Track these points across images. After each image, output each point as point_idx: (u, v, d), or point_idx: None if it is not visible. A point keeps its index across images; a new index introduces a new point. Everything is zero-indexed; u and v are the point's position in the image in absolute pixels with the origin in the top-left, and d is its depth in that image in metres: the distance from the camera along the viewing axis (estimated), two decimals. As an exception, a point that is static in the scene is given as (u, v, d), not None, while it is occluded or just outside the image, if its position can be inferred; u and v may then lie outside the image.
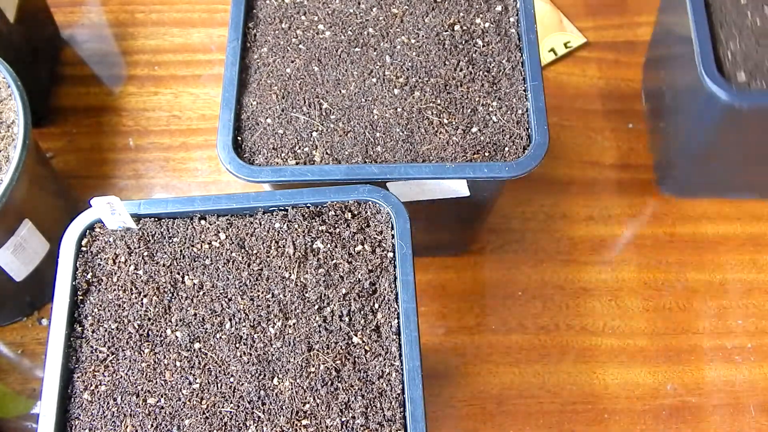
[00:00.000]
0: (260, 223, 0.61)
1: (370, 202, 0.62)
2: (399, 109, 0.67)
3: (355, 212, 0.62)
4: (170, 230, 0.62)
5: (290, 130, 0.66)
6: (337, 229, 0.61)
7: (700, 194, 0.88)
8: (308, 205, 0.62)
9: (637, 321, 0.82)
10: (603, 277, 0.84)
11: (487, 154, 0.65)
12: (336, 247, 0.60)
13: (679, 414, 0.78)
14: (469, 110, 0.67)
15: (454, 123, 0.66)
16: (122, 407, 0.56)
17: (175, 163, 0.92)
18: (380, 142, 0.66)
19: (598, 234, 0.87)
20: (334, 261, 0.60)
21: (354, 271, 0.59)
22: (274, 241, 0.61)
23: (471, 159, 0.65)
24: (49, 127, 0.95)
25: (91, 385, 0.57)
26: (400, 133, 0.66)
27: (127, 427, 0.55)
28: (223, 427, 0.55)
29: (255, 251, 0.60)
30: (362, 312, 0.58)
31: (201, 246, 0.61)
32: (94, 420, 0.56)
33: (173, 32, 1.02)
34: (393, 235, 0.61)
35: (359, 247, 0.60)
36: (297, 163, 0.65)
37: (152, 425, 0.55)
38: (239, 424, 0.55)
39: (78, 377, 0.57)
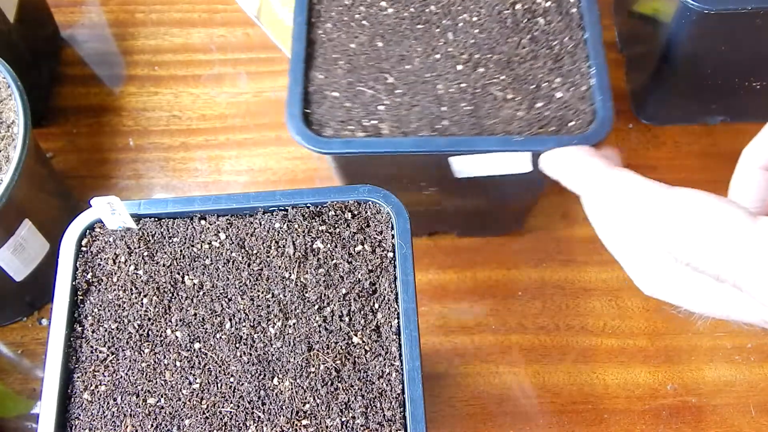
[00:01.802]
0: (260, 223, 0.61)
1: (370, 202, 0.62)
2: (463, 85, 0.68)
3: (355, 212, 0.62)
4: (170, 230, 0.62)
5: (357, 103, 0.67)
6: (337, 229, 0.61)
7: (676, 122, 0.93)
8: (308, 205, 0.62)
9: (637, 321, 0.82)
10: (603, 277, 0.84)
11: (552, 128, 0.66)
12: (336, 247, 0.60)
13: (679, 414, 0.78)
14: (533, 86, 0.67)
15: (518, 98, 0.67)
16: (122, 407, 0.56)
17: (175, 163, 0.92)
18: (446, 116, 0.66)
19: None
20: (334, 261, 0.60)
21: (354, 271, 0.59)
22: (274, 241, 0.61)
23: (537, 133, 0.65)
24: (49, 127, 0.96)
25: (91, 385, 0.57)
26: (466, 108, 0.66)
27: (127, 427, 0.55)
28: (223, 427, 0.55)
29: (255, 251, 0.60)
30: (362, 312, 0.58)
31: (201, 246, 0.61)
32: (94, 420, 0.56)
33: (173, 32, 1.02)
34: (393, 235, 0.61)
35: (359, 247, 0.60)
36: (366, 136, 0.65)
37: (152, 425, 0.55)
38: (239, 424, 0.55)
39: (78, 377, 0.57)
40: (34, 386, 0.81)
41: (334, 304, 0.58)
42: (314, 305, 0.58)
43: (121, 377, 0.57)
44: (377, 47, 0.70)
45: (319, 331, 0.57)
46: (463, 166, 0.66)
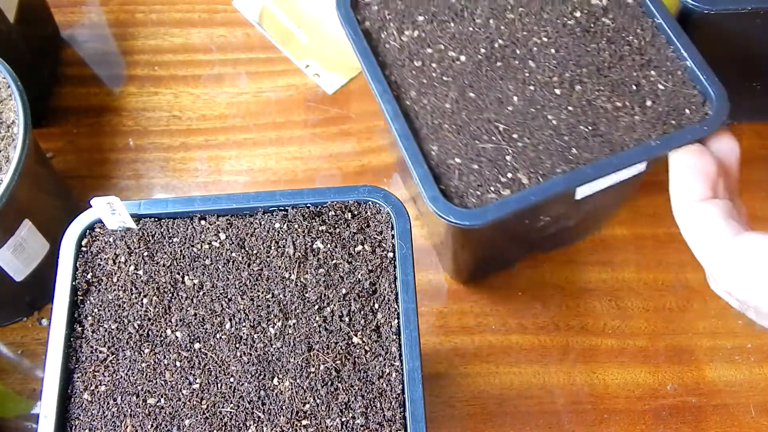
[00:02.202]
0: (260, 223, 0.61)
1: (370, 202, 0.62)
2: (571, 108, 0.66)
3: (355, 212, 0.62)
4: (170, 230, 0.62)
5: (484, 162, 0.64)
6: (337, 229, 0.61)
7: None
8: (308, 205, 0.62)
9: (637, 321, 0.82)
10: (603, 277, 0.84)
11: (673, 121, 0.65)
12: (336, 247, 0.60)
13: (679, 414, 0.78)
14: (634, 87, 0.67)
15: (627, 104, 0.66)
16: (122, 407, 0.56)
17: (175, 163, 0.92)
18: (572, 144, 0.64)
19: (598, 234, 0.87)
20: (334, 261, 0.60)
21: (354, 271, 0.59)
22: (274, 241, 0.61)
23: (663, 132, 0.65)
24: (49, 127, 0.95)
25: (91, 385, 0.57)
26: (586, 129, 0.65)
27: (127, 427, 0.55)
28: (223, 427, 0.55)
29: (255, 251, 0.60)
30: (362, 312, 0.58)
31: (201, 246, 0.61)
32: (94, 420, 0.56)
33: (173, 32, 1.02)
34: (393, 236, 0.61)
35: (359, 248, 0.60)
36: (512, 191, 0.63)
37: (152, 425, 0.55)
38: (239, 424, 0.55)
39: (78, 377, 0.57)
40: (34, 386, 0.81)
41: (334, 305, 0.58)
42: (314, 305, 0.58)
43: (121, 377, 0.57)
44: (471, 99, 0.67)
45: (319, 332, 0.57)
46: (590, 187, 0.65)
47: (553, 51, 0.69)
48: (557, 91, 0.67)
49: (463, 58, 0.69)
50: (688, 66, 0.67)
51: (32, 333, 0.84)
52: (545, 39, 0.70)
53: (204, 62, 0.98)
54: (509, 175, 0.63)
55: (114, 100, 0.97)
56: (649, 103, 0.66)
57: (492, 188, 0.63)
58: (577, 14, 0.71)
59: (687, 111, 0.66)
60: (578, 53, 0.69)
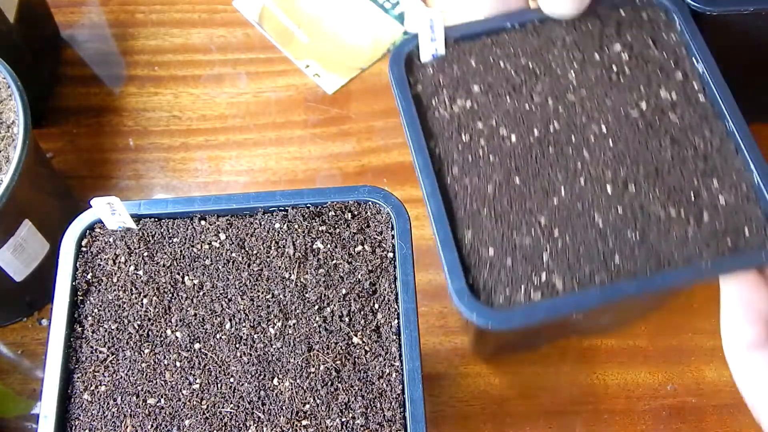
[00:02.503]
0: (260, 224, 0.61)
1: (370, 203, 0.62)
2: (620, 210, 0.61)
3: (355, 213, 0.62)
4: (170, 230, 0.62)
5: (518, 258, 0.59)
6: (337, 230, 0.61)
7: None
8: (308, 205, 0.62)
9: (637, 321, 0.82)
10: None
11: (728, 242, 0.59)
12: (336, 247, 0.60)
13: (679, 414, 0.78)
14: (692, 196, 0.61)
15: (682, 214, 0.60)
16: (122, 407, 0.56)
17: (175, 164, 0.92)
18: (615, 250, 0.59)
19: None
20: (334, 261, 0.60)
21: (354, 272, 0.60)
22: (274, 242, 0.61)
23: (719, 251, 0.59)
24: (49, 127, 0.96)
25: (91, 386, 0.57)
26: (632, 237, 0.60)
27: (127, 427, 0.55)
28: (223, 428, 0.55)
29: (255, 251, 0.61)
30: (362, 312, 0.58)
31: (201, 246, 0.61)
32: (94, 420, 0.56)
33: (173, 33, 1.02)
34: (393, 236, 0.61)
35: (359, 248, 0.61)
36: (543, 296, 0.58)
37: (152, 425, 0.55)
38: (239, 424, 0.55)
39: (78, 377, 0.57)
40: (34, 386, 0.81)
41: (334, 305, 0.58)
42: (314, 305, 0.58)
43: (121, 377, 0.57)
44: (516, 185, 0.62)
45: (319, 332, 0.58)
46: None
47: (610, 143, 0.64)
48: (608, 189, 0.62)
49: (514, 138, 0.64)
50: (755, 181, 0.61)
51: (32, 333, 0.84)
52: (604, 129, 0.64)
53: (204, 62, 0.99)
54: (543, 276, 0.59)
55: (114, 100, 0.97)
56: (706, 216, 0.60)
57: (523, 288, 0.58)
58: (643, 105, 0.65)
59: (746, 232, 0.60)
60: (637, 149, 0.63)
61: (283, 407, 0.56)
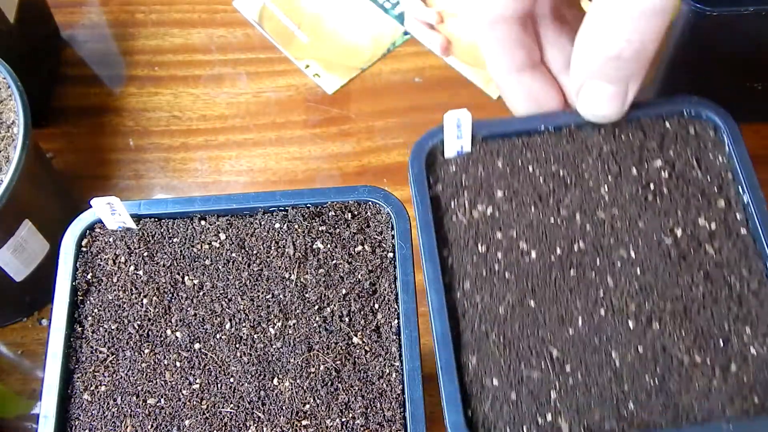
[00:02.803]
0: (260, 224, 0.62)
1: (370, 203, 0.62)
2: (640, 349, 0.56)
3: (355, 212, 0.62)
4: (170, 230, 0.62)
5: (524, 392, 0.55)
6: (337, 230, 0.61)
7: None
8: (308, 205, 0.62)
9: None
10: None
11: (755, 400, 0.54)
12: (336, 247, 0.61)
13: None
14: (721, 342, 0.56)
15: (708, 362, 0.55)
16: (122, 407, 0.56)
17: (175, 164, 0.92)
18: (630, 396, 0.54)
19: None
20: (334, 261, 0.60)
21: (354, 272, 0.60)
22: (274, 242, 0.61)
23: (743, 409, 0.54)
24: (49, 127, 0.96)
25: (92, 386, 0.57)
26: (651, 382, 0.55)
27: (127, 427, 0.56)
28: (223, 428, 0.55)
29: (255, 251, 0.61)
30: (362, 312, 0.59)
31: (201, 246, 0.61)
32: (94, 420, 0.56)
33: (173, 33, 1.03)
34: (393, 236, 0.61)
35: (359, 248, 0.61)
36: None
37: (152, 426, 0.56)
38: (239, 424, 0.55)
39: (78, 377, 0.57)
40: (34, 386, 0.82)
41: (334, 305, 0.59)
42: (314, 305, 0.59)
43: (121, 377, 0.57)
44: (530, 309, 0.57)
45: (319, 332, 0.58)
46: None
47: (638, 271, 0.58)
48: (630, 324, 0.57)
49: (534, 254, 0.59)
50: None
51: (32, 333, 0.84)
52: (633, 254, 0.59)
53: (204, 62, 0.99)
54: (548, 417, 0.54)
55: (114, 100, 0.98)
56: (733, 367, 0.55)
57: (525, 429, 0.54)
58: (678, 232, 0.59)
59: None
60: (666, 282, 0.58)
61: (283, 407, 0.56)
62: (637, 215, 0.59)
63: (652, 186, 0.60)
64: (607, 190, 0.60)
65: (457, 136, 0.61)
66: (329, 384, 0.56)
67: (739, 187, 0.60)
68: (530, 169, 0.61)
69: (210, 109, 0.97)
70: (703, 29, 0.76)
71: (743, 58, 0.81)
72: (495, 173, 0.61)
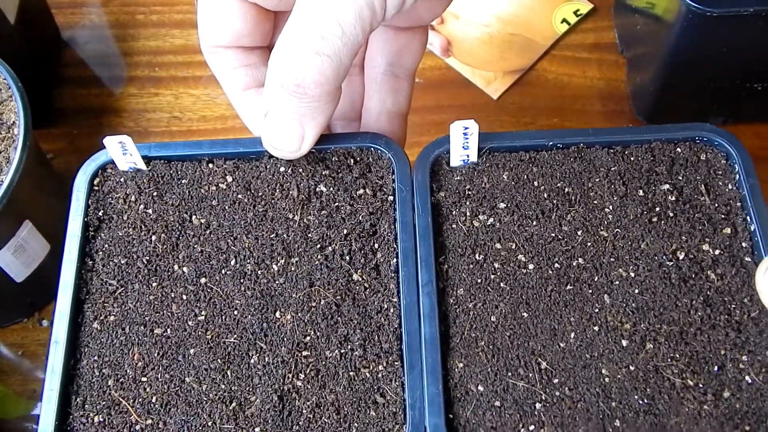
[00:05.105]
0: (266, 167, 0.67)
1: (372, 149, 0.68)
2: (632, 368, 0.59)
3: (358, 158, 0.68)
4: (179, 172, 0.68)
5: (508, 401, 0.59)
6: (340, 174, 0.67)
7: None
8: (312, 150, 0.66)
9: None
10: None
11: (747, 428, 0.57)
12: (338, 190, 0.66)
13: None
14: (716, 367, 0.59)
15: (700, 386, 0.59)
16: (130, 336, 0.62)
17: (176, 164, 0.98)
18: (617, 414, 0.58)
19: None
20: (336, 204, 0.66)
21: (355, 213, 0.65)
22: (278, 184, 0.67)
23: None
24: (50, 128, 1.01)
25: (101, 315, 0.63)
26: (640, 402, 0.58)
27: (134, 354, 0.61)
28: (227, 356, 0.61)
29: (260, 193, 0.66)
30: (362, 251, 0.64)
31: (208, 188, 0.67)
32: (103, 347, 0.62)
33: (174, 33, 1.08)
34: (393, 180, 0.66)
35: (361, 191, 0.66)
36: None
37: (158, 353, 0.61)
38: (242, 353, 0.61)
39: (88, 307, 0.63)
40: (35, 387, 0.86)
41: (336, 244, 0.64)
42: (316, 244, 0.64)
43: (130, 308, 0.63)
44: (522, 319, 0.61)
45: (321, 269, 0.64)
46: None
47: (636, 291, 0.62)
48: (624, 342, 0.60)
49: (531, 267, 0.63)
50: None
51: (33, 334, 0.89)
52: (632, 274, 0.63)
53: (204, 63, 0.98)
54: (531, 427, 0.58)
55: (114, 101, 1.03)
56: (726, 394, 0.58)
57: None
58: (680, 256, 0.63)
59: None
60: (664, 304, 0.62)
61: (285, 338, 0.61)
62: (640, 236, 0.64)
63: (657, 209, 0.65)
64: (611, 209, 0.65)
65: (463, 146, 0.66)
66: (329, 317, 0.62)
67: (747, 216, 0.64)
68: (535, 183, 0.67)
69: (210, 110, 1.02)
70: (703, 29, 0.80)
71: (743, 58, 0.86)
72: (499, 185, 0.67)
